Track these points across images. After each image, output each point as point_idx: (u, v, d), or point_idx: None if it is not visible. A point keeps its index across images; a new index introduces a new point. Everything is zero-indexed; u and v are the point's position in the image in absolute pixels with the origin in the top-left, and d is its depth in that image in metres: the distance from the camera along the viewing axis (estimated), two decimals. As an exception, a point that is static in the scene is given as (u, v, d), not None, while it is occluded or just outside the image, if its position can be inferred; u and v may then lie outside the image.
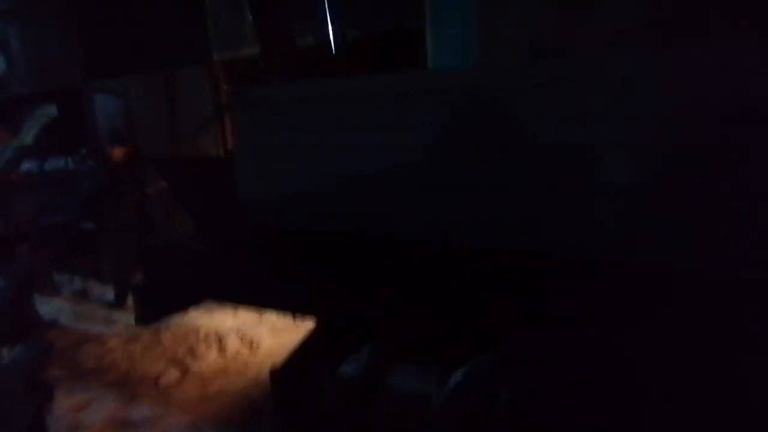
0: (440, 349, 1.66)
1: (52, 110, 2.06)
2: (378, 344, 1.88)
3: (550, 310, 1.47)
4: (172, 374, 3.27)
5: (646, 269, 1.35)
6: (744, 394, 1.36)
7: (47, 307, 4.45)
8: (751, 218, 1.20)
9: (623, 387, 1.51)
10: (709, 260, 1.27)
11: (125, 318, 4.41)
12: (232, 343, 3.64)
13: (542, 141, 1.44)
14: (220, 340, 3.67)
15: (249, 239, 1.90)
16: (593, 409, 1.51)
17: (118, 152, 4.43)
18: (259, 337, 3.69)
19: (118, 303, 4.69)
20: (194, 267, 2.27)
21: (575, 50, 1.92)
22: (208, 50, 4.07)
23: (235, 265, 2.02)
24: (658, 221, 1.32)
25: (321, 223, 1.73)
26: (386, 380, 1.78)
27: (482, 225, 1.47)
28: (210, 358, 3.49)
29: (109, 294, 4.78)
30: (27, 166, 4.18)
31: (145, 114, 4.47)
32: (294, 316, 2.36)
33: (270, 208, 1.82)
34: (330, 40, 2.78)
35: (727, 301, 1.27)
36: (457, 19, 2.65)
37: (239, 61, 3.91)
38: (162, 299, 2.57)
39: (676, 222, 1.30)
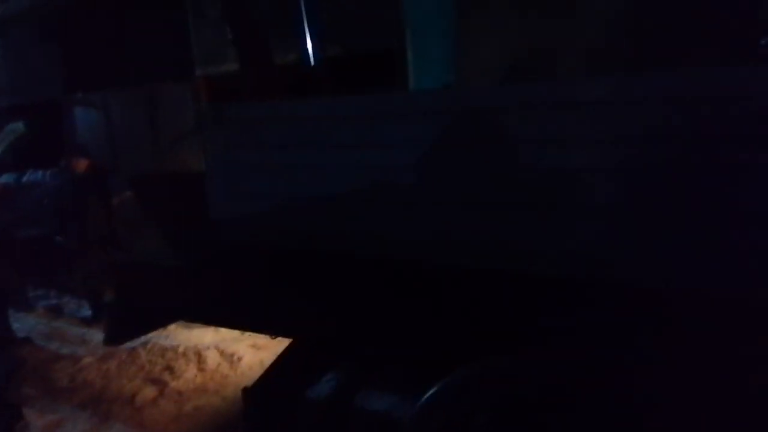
0: (412, 369, 1.67)
1: (19, 127, 2.05)
2: (349, 364, 1.89)
3: (520, 329, 1.50)
4: (149, 392, 3.22)
5: (618, 288, 1.39)
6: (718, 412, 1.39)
7: (21, 323, 4.36)
8: (721, 238, 1.24)
9: (595, 405, 1.54)
10: (680, 278, 1.31)
11: (99, 333, 4.34)
12: (212, 359, 3.60)
13: (514, 162, 1.48)
14: (200, 357, 3.63)
15: (219, 257, 1.90)
16: (564, 426, 1.54)
17: (81, 165, 4.39)
18: (240, 352, 3.66)
19: (94, 319, 4.61)
20: (164, 286, 2.25)
21: (550, 73, 1.98)
22: (191, 66, 4.09)
23: (204, 284, 2.01)
24: (629, 241, 1.36)
25: (291, 241, 1.74)
26: (357, 400, 1.78)
27: (452, 244, 1.49)
28: (188, 374, 3.44)
29: (85, 310, 4.71)
30: (2, 179, 4.13)
31: (125, 128, 4.45)
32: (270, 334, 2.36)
33: (239, 226, 1.82)
34: (309, 58, 2.82)
35: (698, 320, 1.31)
36: (437, 39, 2.71)
37: (222, 77, 3.93)
38: (132, 319, 2.53)
39: (649, 241, 1.33)
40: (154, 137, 4.29)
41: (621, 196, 1.39)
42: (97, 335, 4.26)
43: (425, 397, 1.55)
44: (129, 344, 4.02)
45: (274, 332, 2.18)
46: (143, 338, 4.15)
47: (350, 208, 1.60)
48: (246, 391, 2.02)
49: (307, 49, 2.83)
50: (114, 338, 2.74)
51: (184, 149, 3.57)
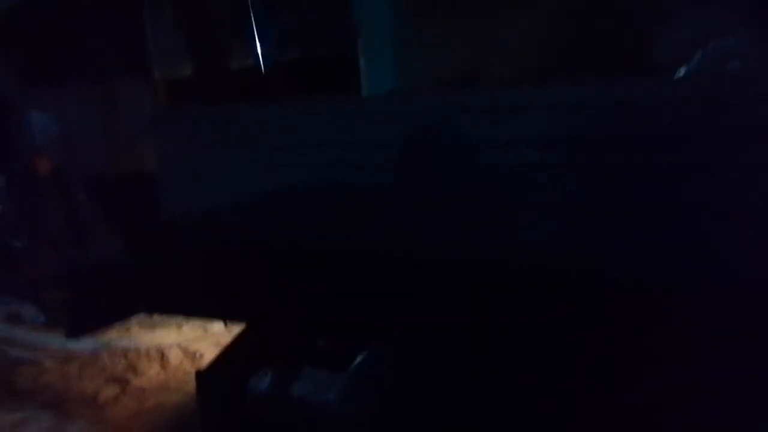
0: (344, 350, 1.83)
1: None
2: (290, 350, 2.05)
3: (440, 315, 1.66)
4: (111, 391, 3.27)
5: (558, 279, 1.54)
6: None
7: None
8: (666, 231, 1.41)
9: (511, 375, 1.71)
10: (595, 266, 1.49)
11: (59, 339, 4.32)
12: (175, 358, 3.66)
13: (452, 161, 1.63)
14: (162, 355, 3.69)
15: (174, 253, 2.00)
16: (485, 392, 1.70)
17: (38, 164, 4.36)
18: (202, 350, 3.73)
19: (48, 324, 4.58)
20: (122, 280, 2.33)
21: (492, 80, 2.16)
22: (149, 66, 4.12)
23: (161, 277, 2.11)
24: (556, 232, 1.52)
25: (241, 237, 1.86)
26: (295, 384, 1.93)
27: (394, 237, 1.64)
28: (151, 373, 3.50)
29: (41, 316, 4.67)
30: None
31: (81, 127, 4.44)
32: (224, 322, 2.47)
33: (193, 224, 1.93)
34: (261, 62, 2.93)
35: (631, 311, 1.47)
36: (388, 45, 2.86)
37: (178, 78, 3.98)
38: (92, 312, 2.60)
39: (569, 232, 1.50)
40: (110, 136, 4.30)
41: (548, 193, 1.56)
42: (56, 340, 4.25)
43: (350, 369, 1.71)
44: (90, 346, 4.05)
45: (224, 318, 2.32)
46: (105, 340, 4.17)
47: (295, 205, 1.73)
48: (198, 374, 2.15)
49: (259, 54, 2.94)
50: (76, 331, 2.79)
51: (139, 148, 3.62)
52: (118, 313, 2.75)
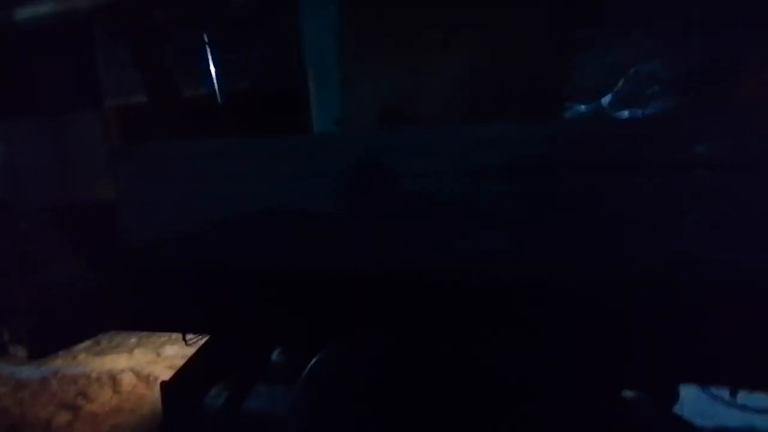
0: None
1: None
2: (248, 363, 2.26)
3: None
4: (63, 417, 3.27)
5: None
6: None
7: None
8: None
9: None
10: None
11: (9, 367, 4.22)
12: (127, 382, 3.69)
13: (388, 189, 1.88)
14: (114, 380, 3.71)
15: (128, 277, 2.15)
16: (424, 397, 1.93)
17: None
18: (156, 373, 3.78)
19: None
20: (80, 303, 2.43)
21: (421, 117, 2.47)
22: (100, 97, 4.20)
23: (115, 298, 2.24)
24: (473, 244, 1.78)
25: (194, 260, 2.04)
26: (248, 399, 2.11)
27: (329, 255, 1.87)
28: (103, 397, 3.52)
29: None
30: None
31: (32, 160, 4.43)
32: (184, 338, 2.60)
33: (148, 249, 2.08)
34: (213, 95, 3.13)
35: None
36: (333, 79, 3.14)
37: (132, 108, 4.09)
38: (52, 334, 2.66)
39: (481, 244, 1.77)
40: (62, 168, 4.32)
41: (465, 215, 1.82)
42: (5, 368, 4.15)
43: (303, 374, 1.92)
44: (38, 375, 3.99)
45: (180, 331, 2.48)
46: (53, 367, 4.12)
47: (240, 231, 1.93)
48: (163, 384, 2.30)
49: (212, 86, 3.14)
50: (37, 352, 2.82)
51: (90, 179, 3.70)
52: (80, 333, 2.81)
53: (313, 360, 1.96)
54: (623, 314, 1.63)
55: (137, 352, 4.29)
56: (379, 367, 1.90)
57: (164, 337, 4.48)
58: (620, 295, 1.60)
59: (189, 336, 2.60)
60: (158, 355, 4.16)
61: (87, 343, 4.58)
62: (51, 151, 4.20)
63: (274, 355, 2.30)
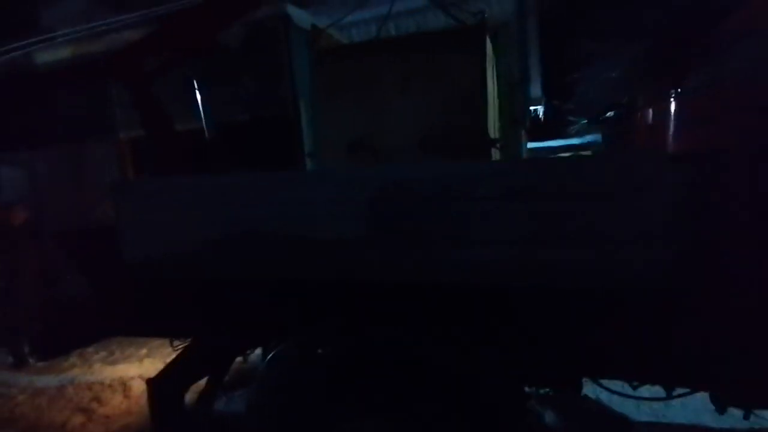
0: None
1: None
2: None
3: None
4: (78, 419, 3.63)
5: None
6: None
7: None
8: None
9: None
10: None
11: (27, 377, 4.62)
12: (137, 388, 4.05)
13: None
14: (125, 386, 4.07)
15: (131, 289, 2.52)
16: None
17: (14, 216, 4.79)
18: (162, 380, 4.13)
19: (17, 364, 4.88)
20: (88, 313, 2.82)
21: (378, 149, 2.86)
22: (114, 128, 4.67)
23: (119, 306, 2.61)
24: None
25: (184, 273, 2.40)
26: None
27: (303, 266, 2.20)
28: (115, 402, 3.88)
29: (9, 358, 4.95)
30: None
31: (50, 185, 4.89)
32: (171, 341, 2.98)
33: (146, 266, 2.45)
34: (205, 128, 3.54)
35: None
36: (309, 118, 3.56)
37: (141, 138, 4.53)
38: (59, 338, 3.07)
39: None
40: (78, 191, 4.78)
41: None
42: (24, 378, 4.56)
43: (265, 367, 2.26)
44: (56, 382, 4.38)
45: (172, 336, 2.86)
46: (70, 376, 4.51)
47: (217, 249, 2.28)
48: (149, 381, 2.70)
49: (203, 120, 3.57)
50: (44, 354, 3.20)
51: (103, 202, 4.12)
52: (88, 338, 3.19)
53: (266, 361, 2.32)
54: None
55: (147, 361, 4.67)
56: (325, 363, 2.23)
57: (169, 349, 4.86)
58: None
59: (176, 343, 2.99)
60: (165, 363, 4.52)
61: (102, 353, 4.98)
62: (72, 177, 4.66)
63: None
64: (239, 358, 3.48)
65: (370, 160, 2.95)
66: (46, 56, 4.97)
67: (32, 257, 4.76)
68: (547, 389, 2.17)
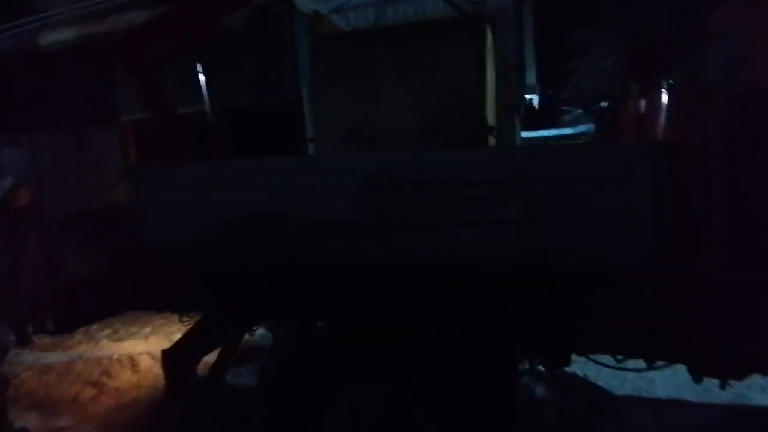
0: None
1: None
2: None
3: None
4: (89, 392, 3.79)
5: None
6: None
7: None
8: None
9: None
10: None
11: (33, 355, 4.76)
12: (145, 363, 4.21)
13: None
14: (133, 361, 4.23)
15: (143, 267, 2.65)
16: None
17: (20, 197, 4.86)
18: (168, 356, 4.29)
19: (20, 342, 5.01)
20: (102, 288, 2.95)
21: (376, 137, 2.98)
22: (116, 111, 4.72)
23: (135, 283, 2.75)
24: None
25: (198, 255, 2.52)
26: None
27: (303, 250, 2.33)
28: (124, 376, 4.04)
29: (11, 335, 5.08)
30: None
31: (53, 167, 4.95)
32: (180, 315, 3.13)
33: (151, 247, 2.57)
34: (207, 110, 3.63)
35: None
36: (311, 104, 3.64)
37: (144, 122, 4.60)
38: (75, 314, 3.22)
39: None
40: (82, 174, 4.85)
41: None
42: (29, 356, 4.69)
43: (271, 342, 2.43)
44: (64, 359, 4.52)
45: (182, 311, 3.01)
46: (77, 353, 4.65)
47: (227, 230, 2.40)
48: (163, 352, 2.86)
49: (206, 105, 3.65)
50: (63, 328, 3.35)
51: (105, 184, 4.22)
52: (98, 313, 3.34)
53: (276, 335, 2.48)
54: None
55: (152, 338, 4.82)
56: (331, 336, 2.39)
57: (174, 326, 5.00)
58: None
59: (185, 319, 3.14)
60: (170, 341, 4.66)
61: (107, 331, 5.12)
62: (75, 160, 4.72)
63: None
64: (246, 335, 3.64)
65: (367, 148, 3.06)
66: (49, 37, 4.99)
67: (36, 237, 4.86)
68: (539, 365, 2.34)
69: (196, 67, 3.98)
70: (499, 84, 3.57)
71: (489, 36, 3.14)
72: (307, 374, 2.36)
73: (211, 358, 3.27)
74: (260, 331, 3.92)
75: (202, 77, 3.91)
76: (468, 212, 1.97)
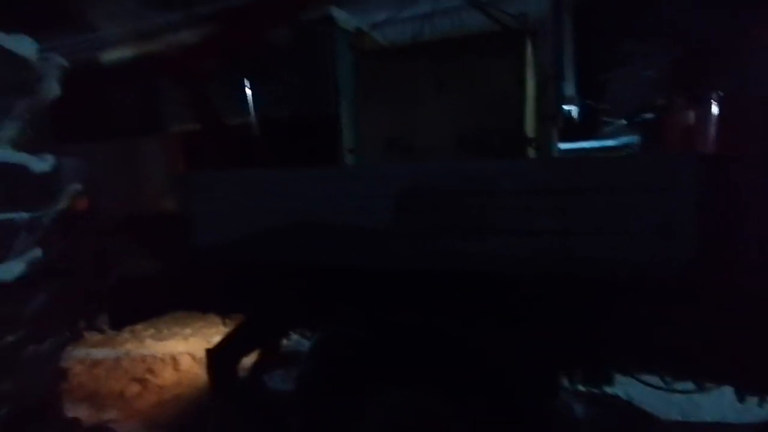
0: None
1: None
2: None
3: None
4: (134, 388, 3.98)
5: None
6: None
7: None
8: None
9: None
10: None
11: (84, 350, 5.03)
12: (185, 362, 4.38)
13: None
14: (175, 360, 4.41)
15: (191, 271, 2.79)
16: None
17: (80, 202, 5.19)
18: (208, 356, 4.45)
19: (75, 338, 5.30)
20: (152, 290, 3.12)
21: (414, 148, 3.04)
22: (166, 123, 4.98)
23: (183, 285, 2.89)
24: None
25: (237, 255, 2.64)
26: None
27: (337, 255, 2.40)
28: (166, 374, 4.21)
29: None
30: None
31: (108, 176, 5.26)
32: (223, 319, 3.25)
33: (209, 251, 2.70)
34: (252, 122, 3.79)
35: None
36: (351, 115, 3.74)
37: (192, 133, 4.84)
38: (128, 312, 3.41)
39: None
40: (135, 181, 5.14)
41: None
42: (81, 351, 4.96)
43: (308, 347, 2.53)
44: (113, 355, 4.76)
45: (229, 314, 3.12)
46: (124, 350, 4.88)
47: (270, 237, 2.50)
48: (208, 351, 2.98)
49: (250, 114, 3.81)
50: (114, 326, 3.57)
51: (156, 191, 4.45)
52: (147, 312, 3.52)
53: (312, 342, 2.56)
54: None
55: (192, 339, 5.01)
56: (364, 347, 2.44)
57: (213, 329, 5.18)
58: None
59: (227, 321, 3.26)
60: (209, 342, 4.83)
61: (151, 331, 5.36)
62: (128, 169, 5.02)
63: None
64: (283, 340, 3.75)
65: (406, 158, 3.12)
66: (106, 54, 5.33)
67: (90, 241, 5.16)
68: (580, 383, 2.30)
69: (241, 80, 4.16)
70: (537, 93, 3.57)
71: (529, 50, 3.16)
72: (343, 380, 2.42)
73: (249, 360, 3.39)
74: (295, 337, 4.02)
75: (247, 90, 4.09)
76: (508, 221, 1.99)
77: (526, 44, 3.07)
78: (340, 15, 4.66)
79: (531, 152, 3.01)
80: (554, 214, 1.90)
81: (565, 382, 2.30)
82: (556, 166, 2.13)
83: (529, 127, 2.97)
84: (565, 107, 5.32)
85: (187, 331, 5.29)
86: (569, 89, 5.88)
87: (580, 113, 6.04)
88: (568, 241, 1.89)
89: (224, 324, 3.28)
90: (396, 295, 2.31)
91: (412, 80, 3.09)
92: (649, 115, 3.91)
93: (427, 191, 2.13)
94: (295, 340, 4.15)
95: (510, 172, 2.03)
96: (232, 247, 2.65)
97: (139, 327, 5.70)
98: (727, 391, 2.18)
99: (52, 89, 2.53)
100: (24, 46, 2.44)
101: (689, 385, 2.19)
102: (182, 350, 4.65)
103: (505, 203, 1.97)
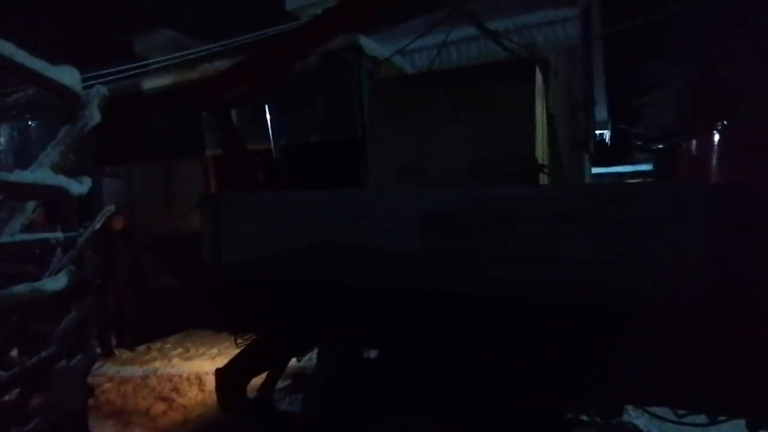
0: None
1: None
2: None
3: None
4: (160, 407, 4.02)
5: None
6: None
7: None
8: None
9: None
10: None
11: (114, 367, 5.16)
12: (211, 382, 4.40)
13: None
14: (200, 380, 4.46)
15: (210, 287, 2.85)
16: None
17: (116, 222, 5.42)
18: (232, 377, 4.48)
19: (106, 354, 5.46)
20: (172, 304, 3.21)
21: (428, 173, 3.05)
22: (202, 146, 5.19)
23: (201, 302, 2.95)
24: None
25: (256, 274, 2.68)
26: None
27: (362, 274, 2.40)
28: (191, 394, 4.25)
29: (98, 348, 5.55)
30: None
31: (146, 195, 5.51)
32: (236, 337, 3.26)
33: (225, 268, 2.76)
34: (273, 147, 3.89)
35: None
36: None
37: (223, 156, 4.99)
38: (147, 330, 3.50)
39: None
40: (169, 201, 5.34)
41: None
42: (111, 368, 5.09)
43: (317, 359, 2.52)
44: (140, 373, 4.86)
45: (245, 333, 3.15)
46: (152, 368, 4.98)
47: (289, 257, 2.53)
48: (217, 371, 3.03)
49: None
50: (132, 344, 3.64)
51: (188, 211, 4.58)
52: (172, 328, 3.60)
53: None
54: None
55: (218, 359, 5.06)
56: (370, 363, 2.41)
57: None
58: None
59: (239, 340, 3.28)
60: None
61: (179, 350, 5.46)
62: (165, 189, 5.24)
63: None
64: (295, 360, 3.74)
65: (419, 183, 3.14)
66: (144, 83, 5.64)
67: (127, 258, 5.36)
68: (592, 413, 2.20)
69: (271, 107, 4.32)
70: (558, 122, 3.53)
71: (539, 78, 3.17)
72: (351, 401, 2.39)
73: (258, 380, 3.40)
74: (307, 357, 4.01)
75: (269, 117, 4.23)
76: (520, 246, 1.95)
77: (535, 73, 3.09)
78: (368, 44, 4.80)
79: (543, 178, 2.99)
80: (565, 241, 1.85)
81: (578, 411, 2.21)
82: (565, 192, 2.09)
83: (541, 154, 2.96)
84: (598, 132, 5.23)
85: (214, 350, 5.35)
86: (601, 114, 5.80)
87: (612, 137, 5.92)
88: (581, 269, 1.84)
89: (236, 344, 3.30)
90: (415, 317, 2.29)
91: (427, 107, 3.14)
92: (666, 143, 3.83)
93: (448, 215, 2.12)
94: (310, 359, 4.15)
95: (524, 198, 2.01)
96: (253, 265, 2.69)
97: (168, 346, 5.84)
98: (740, 424, 2.05)
99: (94, 117, 2.68)
100: (69, 76, 2.60)
101: (701, 418, 2.07)
102: (208, 370, 4.69)
103: (518, 229, 1.94)
